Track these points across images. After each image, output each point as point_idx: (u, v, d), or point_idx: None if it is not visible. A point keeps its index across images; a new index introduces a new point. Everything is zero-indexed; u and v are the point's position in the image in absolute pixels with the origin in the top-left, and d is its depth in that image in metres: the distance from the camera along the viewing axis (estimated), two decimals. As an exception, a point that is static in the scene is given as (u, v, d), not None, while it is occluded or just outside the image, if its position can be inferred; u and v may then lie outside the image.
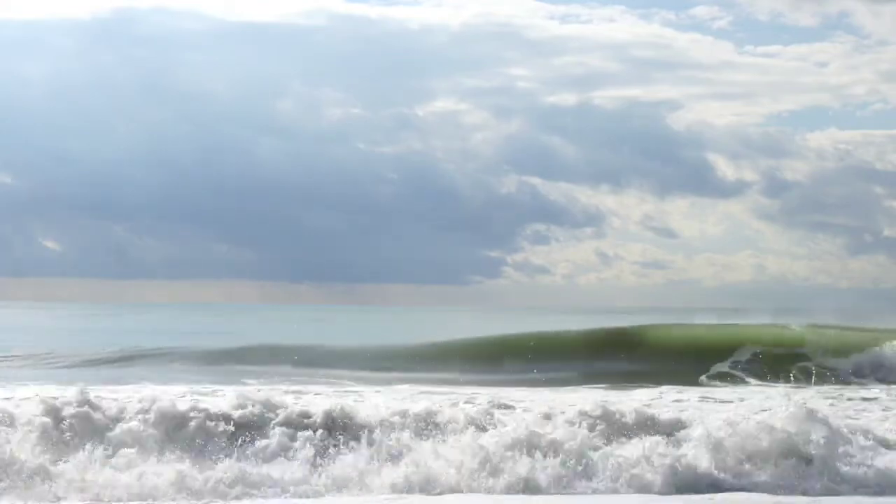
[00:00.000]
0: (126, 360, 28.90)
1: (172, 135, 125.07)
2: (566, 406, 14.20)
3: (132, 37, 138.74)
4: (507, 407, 15.22)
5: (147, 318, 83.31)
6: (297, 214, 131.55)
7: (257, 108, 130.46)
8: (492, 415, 13.42)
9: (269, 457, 12.42)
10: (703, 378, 24.82)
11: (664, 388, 21.47)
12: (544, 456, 12.25)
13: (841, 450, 12.77)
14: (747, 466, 12.45)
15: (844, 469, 12.53)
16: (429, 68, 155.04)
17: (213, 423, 12.82)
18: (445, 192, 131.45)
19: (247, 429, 12.83)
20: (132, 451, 12.16)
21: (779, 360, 25.82)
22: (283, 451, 12.53)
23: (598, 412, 13.20)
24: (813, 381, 24.08)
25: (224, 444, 12.54)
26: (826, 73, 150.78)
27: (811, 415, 13.06)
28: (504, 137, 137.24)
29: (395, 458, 12.29)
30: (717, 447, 12.54)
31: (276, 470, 12.03)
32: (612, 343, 28.21)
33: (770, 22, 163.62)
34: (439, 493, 11.70)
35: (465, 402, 15.71)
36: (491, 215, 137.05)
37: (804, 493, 12.03)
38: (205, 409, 13.01)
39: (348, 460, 12.28)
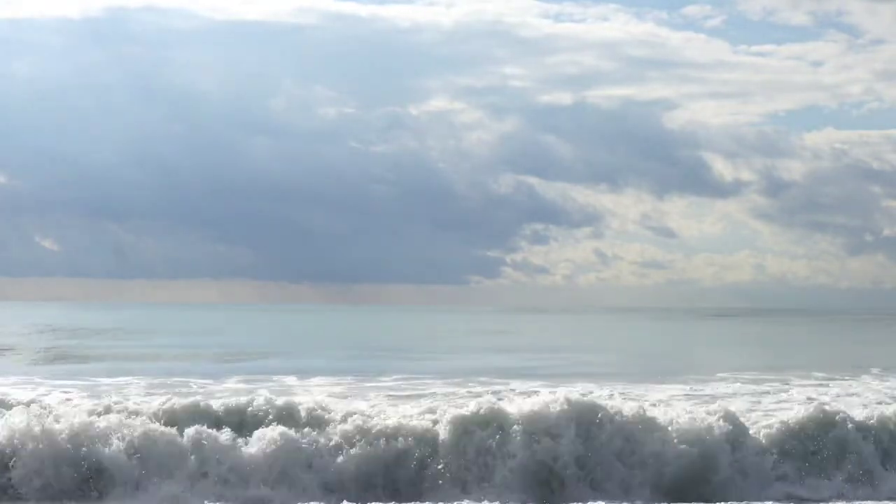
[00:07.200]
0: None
1: (164, 134, 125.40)
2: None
3: (123, 36, 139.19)
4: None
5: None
6: (292, 214, 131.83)
7: (250, 107, 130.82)
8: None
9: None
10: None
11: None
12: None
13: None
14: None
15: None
16: (421, 67, 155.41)
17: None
18: (442, 191, 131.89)
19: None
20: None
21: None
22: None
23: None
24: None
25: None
26: (821, 72, 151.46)
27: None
28: (499, 137, 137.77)
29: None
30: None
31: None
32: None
33: (762, 21, 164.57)
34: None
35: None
36: (489, 215, 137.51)
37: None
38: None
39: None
